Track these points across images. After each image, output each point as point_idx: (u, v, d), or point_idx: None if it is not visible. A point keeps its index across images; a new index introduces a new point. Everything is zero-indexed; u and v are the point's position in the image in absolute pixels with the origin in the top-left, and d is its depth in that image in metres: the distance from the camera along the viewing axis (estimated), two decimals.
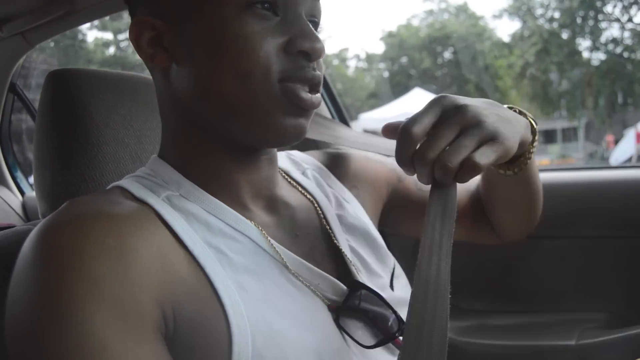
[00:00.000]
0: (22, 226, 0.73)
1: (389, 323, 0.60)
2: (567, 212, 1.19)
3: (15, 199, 1.90)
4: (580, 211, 1.20)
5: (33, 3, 1.40)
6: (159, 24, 0.56)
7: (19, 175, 1.96)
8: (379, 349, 0.60)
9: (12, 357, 0.44)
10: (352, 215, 0.73)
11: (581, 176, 1.30)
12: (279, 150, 0.70)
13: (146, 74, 0.77)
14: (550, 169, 1.49)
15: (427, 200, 0.78)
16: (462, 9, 22.63)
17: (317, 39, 0.55)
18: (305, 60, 0.56)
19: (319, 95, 0.58)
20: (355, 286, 0.61)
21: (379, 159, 0.84)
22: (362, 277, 0.65)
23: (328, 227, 0.67)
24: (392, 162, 0.83)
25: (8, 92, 1.76)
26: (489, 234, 0.87)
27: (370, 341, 0.59)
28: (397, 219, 0.83)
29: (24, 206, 1.91)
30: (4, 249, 0.65)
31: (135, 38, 0.57)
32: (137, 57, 0.59)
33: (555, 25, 19.43)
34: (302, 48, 0.55)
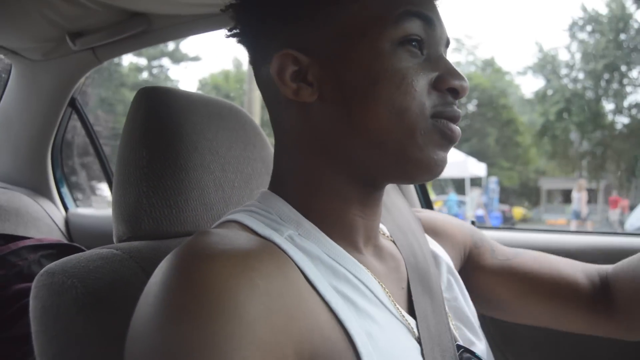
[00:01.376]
0: (103, 249, 0.67)
1: None
2: None
3: (58, 214, 1.87)
4: None
5: (110, 20, 1.40)
6: (303, 58, 0.55)
7: (65, 190, 1.94)
8: None
9: None
10: (449, 269, 0.72)
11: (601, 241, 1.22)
12: None
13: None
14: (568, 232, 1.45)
15: (501, 270, 0.76)
16: (489, 63, 22.88)
17: (464, 78, 0.56)
18: (452, 98, 0.56)
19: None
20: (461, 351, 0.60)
21: (458, 221, 0.84)
22: (464, 339, 0.65)
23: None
24: (469, 226, 0.83)
25: (67, 106, 1.75)
26: (615, 326, 0.74)
27: None
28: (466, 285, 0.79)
29: (66, 222, 1.88)
30: (92, 272, 0.60)
31: (277, 72, 0.56)
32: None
33: (579, 86, 19.53)
34: (452, 85, 0.55)
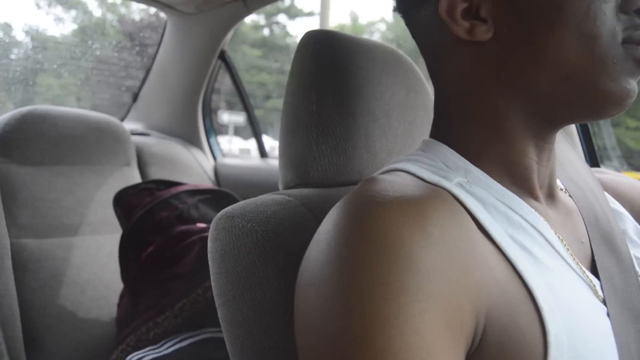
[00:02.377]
0: (276, 194, 0.66)
1: None
2: None
3: (207, 163, 1.97)
4: None
5: None
6: None
7: (213, 141, 2.03)
8: None
9: (310, 342, 0.40)
10: (635, 227, 0.65)
11: None
12: None
13: None
14: None
15: None
16: None
17: None
18: None
19: None
20: None
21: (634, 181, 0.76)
22: None
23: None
24: None
25: (217, 58, 1.80)
26: None
27: None
28: None
29: (215, 171, 1.97)
30: (270, 217, 0.59)
31: (447, 11, 0.51)
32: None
33: None
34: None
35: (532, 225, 0.50)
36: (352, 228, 0.41)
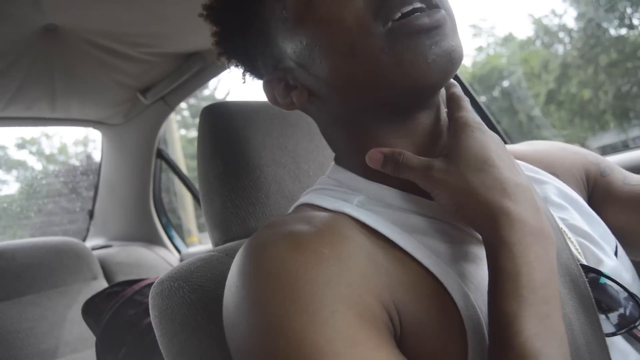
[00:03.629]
0: (202, 254, 0.73)
1: (625, 310, 0.53)
2: None
3: (173, 258, 2.01)
4: None
5: (169, 67, 1.52)
6: (279, 73, 0.58)
7: (173, 234, 2.09)
8: (616, 337, 0.53)
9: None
10: (558, 191, 0.66)
11: None
12: None
13: None
14: None
15: (636, 196, 0.67)
16: (509, 39, 21.30)
17: None
18: None
19: (440, 10, 0.49)
20: (584, 271, 0.54)
21: (578, 150, 0.76)
22: (587, 256, 0.59)
23: None
24: (594, 155, 0.75)
25: (156, 157, 1.89)
26: None
27: (607, 328, 0.52)
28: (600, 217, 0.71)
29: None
30: (194, 273, 0.65)
31: (272, 99, 0.60)
32: None
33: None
34: None
35: (438, 219, 0.53)
36: (252, 267, 0.46)
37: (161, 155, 1.91)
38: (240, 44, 0.63)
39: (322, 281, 0.43)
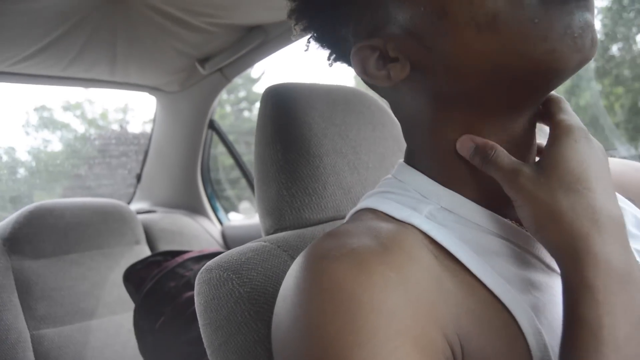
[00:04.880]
0: (253, 242, 0.70)
1: None
2: None
3: (214, 229, 2.02)
4: None
5: (230, 39, 1.49)
6: (376, 41, 0.50)
7: (217, 206, 2.09)
8: None
9: None
10: (635, 220, 0.59)
11: None
12: None
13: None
14: None
15: None
16: None
17: None
18: None
19: None
20: None
21: None
22: None
23: None
24: None
25: (207, 128, 1.88)
26: None
27: None
28: None
29: (223, 235, 2.02)
30: (244, 264, 0.62)
31: (362, 70, 0.52)
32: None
33: None
34: None
35: (511, 242, 0.49)
36: (311, 285, 0.42)
37: (213, 127, 1.90)
38: (328, 2, 0.55)
39: (387, 311, 0.39)
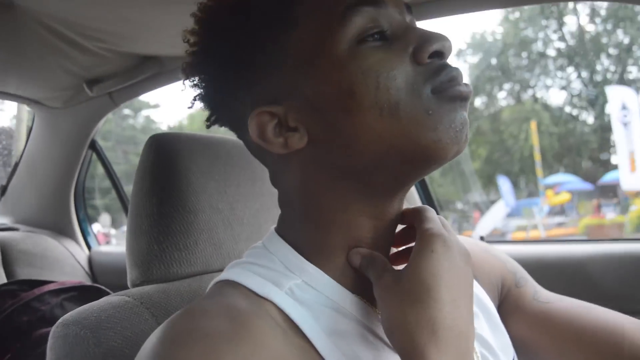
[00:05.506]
0: (115, 296, 0.69)
1: None
2: None
3: (82, 254, 1.92)
4: None
5: (125, 65, 1.46)
6: (277, 109, 0.52)
7: (89, 230, 1.99)
8: None
9: None
10: (476, 298, 0.66)
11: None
12: None
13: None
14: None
15: (542, 314, 0.68)
16: None
17: (442, 36, 0.50)
18: (440, 60, 0.51)
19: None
20: None
21: (499, 255, 0.77)
22: None
23: None
24: (512, 263, 0.76)
25: (88, 148, 1.81)
26: None
27: None
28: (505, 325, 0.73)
29: (89, 260, 1.92)
30: (103, 322, 0.62)
31: (259, 135, 0.52)
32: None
33: None
34: (433, 50, 0.50)
35: (363, 324, 0.52)
36: None
37: (94, 147, 1.83)
38: (227, 61, 0.55)
39: None
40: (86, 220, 1.99)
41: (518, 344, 0.70)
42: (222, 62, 0.55)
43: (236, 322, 0.46)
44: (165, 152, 0.78)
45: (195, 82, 0.58)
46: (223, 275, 0.56)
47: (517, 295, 0.73)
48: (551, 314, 0.69)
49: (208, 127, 0.61)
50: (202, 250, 0.78)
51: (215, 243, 0.80)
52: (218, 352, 0.43)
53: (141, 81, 1.52)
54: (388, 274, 0.49)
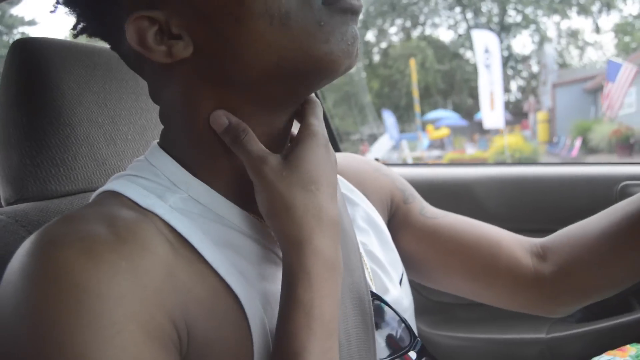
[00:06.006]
0: None
1: (396, 333, 0.59)
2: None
3: None
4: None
5: None
6: (157, 14, 0.47)
7: None
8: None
9: None
10: (366, 215, 0.70)
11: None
12: None
13: None
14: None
15: (427, 228, 0.73)
16: None
17: None
18: None
19: None
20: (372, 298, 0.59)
21: (390, 173, 0.79)
22: (376, 283, 0.63)
23: None
24: (401, 181, 0.79)
25: None
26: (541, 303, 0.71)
27: (382, 353, 0.58)
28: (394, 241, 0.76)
29: None
30: None
31: (138, 42, 0.48)
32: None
33: None
34: None
35: (251, 237, 0.52)
36: (37, 269, 0.41)
37: None
38: None
39: (113, 297, 0.40)
40: None
41: (406, 259, 0.74)
42: None
43: (118, 226, 0.45)
44: (33, 59, 0.71)
45: None
46: (105, 187, 0.54)
47: (406, 212, 0.76)
48: (437, 228, 0.73)
49: (75, 36, 0.55)
50: (83, 166, 0.74)
51: (97, 159, 0.75)
52: (101, 252, 0.42)
53: None
54: (272, 157, 0.49)
